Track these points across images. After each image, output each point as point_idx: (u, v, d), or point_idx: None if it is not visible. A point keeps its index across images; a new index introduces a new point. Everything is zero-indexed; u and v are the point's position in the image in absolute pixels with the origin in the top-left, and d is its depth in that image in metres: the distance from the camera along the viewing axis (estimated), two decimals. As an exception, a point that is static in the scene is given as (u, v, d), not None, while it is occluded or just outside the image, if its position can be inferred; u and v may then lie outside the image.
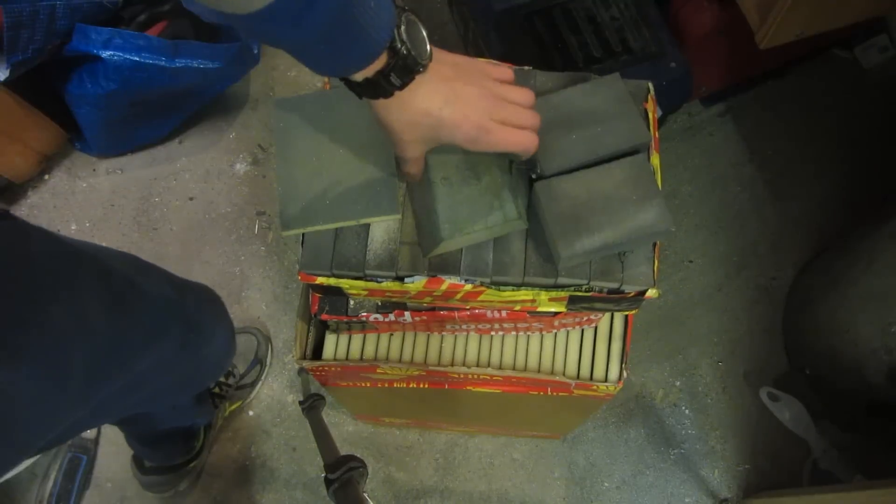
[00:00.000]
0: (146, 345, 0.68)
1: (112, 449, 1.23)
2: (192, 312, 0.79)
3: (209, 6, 0.42)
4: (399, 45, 0.49)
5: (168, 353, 0.74)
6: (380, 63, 0.49)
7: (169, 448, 1.09)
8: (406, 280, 0.62)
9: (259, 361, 1.24)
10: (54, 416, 0.58)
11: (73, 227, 1.36)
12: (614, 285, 0.62)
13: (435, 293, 0.65)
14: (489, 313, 0.73)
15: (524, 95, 0.58)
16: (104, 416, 0.81)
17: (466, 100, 0.53)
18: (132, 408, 0.82)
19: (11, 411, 0.51)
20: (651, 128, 0.65)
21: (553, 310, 0.70)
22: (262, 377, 1.26)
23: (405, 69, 0.49)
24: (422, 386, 0.84)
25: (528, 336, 0.83)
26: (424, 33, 0.51)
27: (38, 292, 0.54)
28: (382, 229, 0.64)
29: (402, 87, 0.50)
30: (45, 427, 0.57)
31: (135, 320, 0.66)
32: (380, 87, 0.50)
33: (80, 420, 0.66)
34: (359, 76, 0.49)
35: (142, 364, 0.68)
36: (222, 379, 1.17)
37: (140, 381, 0.71)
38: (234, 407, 1.22)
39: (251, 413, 1.25)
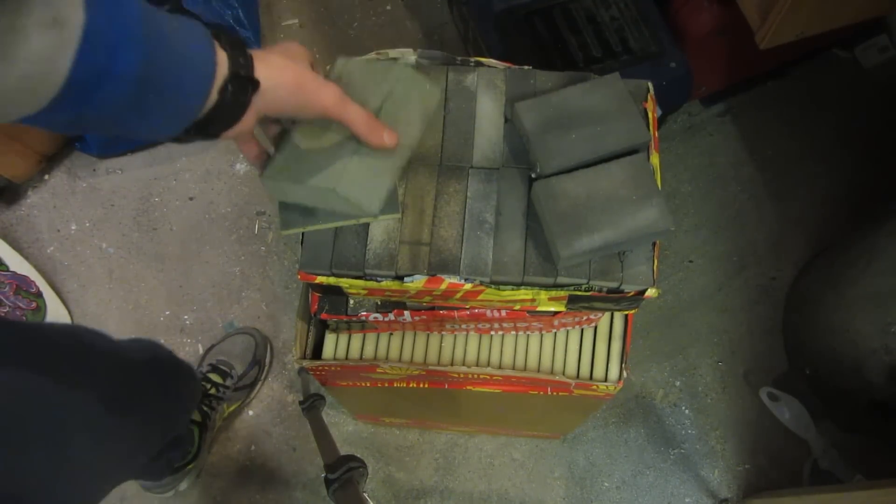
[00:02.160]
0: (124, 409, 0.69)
1: (112, 449, 1.23)
2: (153, 385, 0.79)
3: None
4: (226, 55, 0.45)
5: (150, 410, 0.74)
6: (218, 82, 0.44)
7: (157, 469, 1.09)
8: (406, 279, 0.62)
9: (258, 363, 1.24)
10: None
11: (73, 228, 1.36)
12: (614, 285, 0.62)
13: (434, 292, 0.65)
14: (489, 313, 0.73)
15: None
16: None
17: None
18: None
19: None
20: (651, 127, 0.65)
21: (553, 309, 0.70)
22: (262, 378, 1.26)
23: (242, 60, 0.45)
24: (422, 386, 0.84)
25: (528, 336, 0.83)
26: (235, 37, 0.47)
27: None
28: (382, 228, 0.64)
29: (252, 82, 0.46)
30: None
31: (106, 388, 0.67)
32: (236, 97, 0.45)
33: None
34: (202, 114, 0.45)
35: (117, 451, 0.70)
36: (219, 380, 1.17)
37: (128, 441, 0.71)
38: (232, 408, 1.22)
39: (251, 413, 1.25)
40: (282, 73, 0.48)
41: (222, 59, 0.44)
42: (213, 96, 0.45)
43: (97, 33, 0.36)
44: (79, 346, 0.71)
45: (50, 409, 0.59)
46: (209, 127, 0.47)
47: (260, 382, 1.25)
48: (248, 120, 0.49)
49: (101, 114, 0.40)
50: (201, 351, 1.27)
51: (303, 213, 0.61)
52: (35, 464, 0.56)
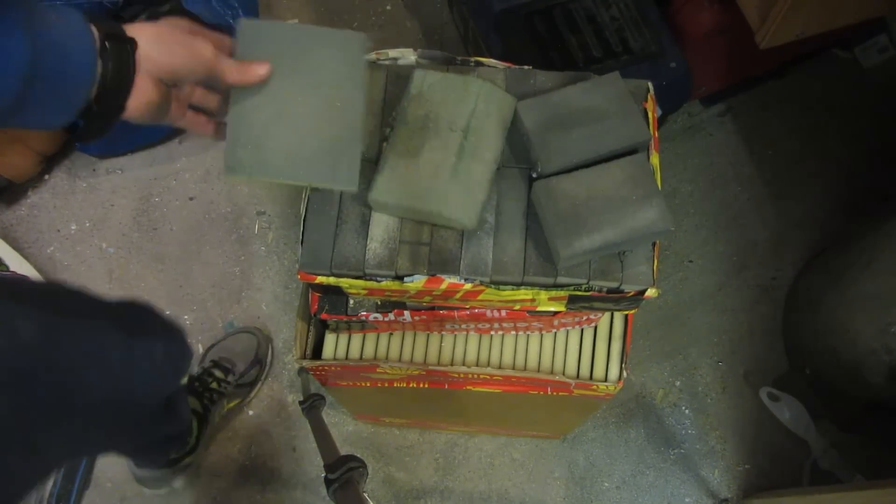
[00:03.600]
0: (84, 357, 0.67)
1: (112, 449, 1.23)
2: (127, 323, 0.77)
3: None
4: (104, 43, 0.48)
5: (112, 365, 0.72)
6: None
7: (156, 452, 1.08)
8: (406, 279, 0.62)
9: (259, 361, 1.24)
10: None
11: (73, 227, 1.36)
12: (614, 285, 0.62)
13: (434, 292, 0.65)
14: (489, 313, 0.73)
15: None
16: (78, 443, 0.80)
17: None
18: (98, 427, 0.80)
19: None
20: (651, 127, 0.65)
21: (553, 309, 0.70)
22: (262, 377, 1.26)
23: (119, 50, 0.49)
24: (422, 386, 0.84)
25: (528, 336, 0.83)
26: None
27: None
28: (382, 228, 0.64)
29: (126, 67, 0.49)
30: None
31: (68, 334, 0.65)
32: (114, 87, 0.49)
33: (54, 446, 0.65)
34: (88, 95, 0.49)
35: (86, 378, 0.67)
36: (221, 375, 1.17)
37: (91, 396, 0.69)
38: (232, 405, 1.22)
39: (251, 413, 1.25)
40: (156, 32, 0.51)
41: (96, 29, 0.48)
42: (98, 66, 0.48)
43: None
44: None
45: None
46: (109, 97, 0.49)
47: (261, 382, 1.25)
48: (146, 85, 0.51)
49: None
50: (201, 350, 1.27)
51: (253, 158, 0.56)
52: None
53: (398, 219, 0.64)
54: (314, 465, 1.22)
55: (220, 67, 0.54)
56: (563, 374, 0.81)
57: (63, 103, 0.48)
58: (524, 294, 0.64)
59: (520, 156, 0.65)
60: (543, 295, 0.64)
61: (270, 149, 0.56)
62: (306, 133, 0.57)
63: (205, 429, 1.15)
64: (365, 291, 0.67)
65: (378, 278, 0.63)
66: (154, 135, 1.39)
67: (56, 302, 0.67)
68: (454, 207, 0.61)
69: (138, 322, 0.77)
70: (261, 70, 0.55)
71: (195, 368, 1.21)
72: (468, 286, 0.63)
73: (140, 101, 0.51)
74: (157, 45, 0.51)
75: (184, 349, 0.87)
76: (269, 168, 0.56)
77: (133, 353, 0.73)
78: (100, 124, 0.51)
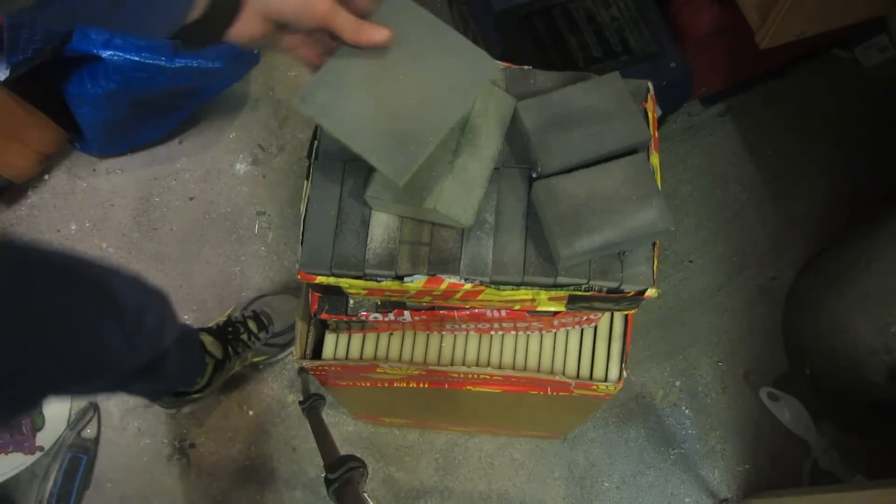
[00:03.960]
0: (63, 318, 0.67)
1: (112, 449, 1.23)
2: (104, 294, 0.75)
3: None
4: None
5: (81, 337, 0.71)
6: None
7: (147, 396, 1.09)
8: (406, 279, 0.62)
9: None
10: None
11: (73, 227, 1.36)
12: (614, 285, 0.62)
13: (434, 292, 0.65)
14: (489, 313, 0.73)
15: None
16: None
17: None
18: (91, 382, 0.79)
19: None
20: (651, 127, 0.65)
21: (552, 309, 0.70)
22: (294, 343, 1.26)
23: None
24: (422, 386, 0.84)
25: (528, 336, 0.83)
26: None
27: None
28: (382, 228, 0.64)
29: None
30: None
31: (46, 295, 0.65)
32: None
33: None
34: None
35: (51, 344, 0.66)
36: (254, 329, 1.17)
37: (57, 359, 0.69)
38: (257, 359, 1.22)
39: (251, 413, 1.25)
40: None
41: None
42: None
43: None
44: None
45: None
46: (211, 23, 0.51)
47: (292, 347, 1.25)
48: (251, 21, 0.52)
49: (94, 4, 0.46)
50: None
51: (327, 104, 0.56)
52: None
53: (398, 219, 0.64)
54: (314, 465, 1.22)
55: (335, 23, 0.54)
56: (563, 374, 0.81)
57: (159, 21, 0.49)
58: (524, 294, 0.64)
59: (520, 156, 0.65)
60: (543, 295, 0.64)
61: (346, 105, 0.57)
62: (389, 112, 0.57)
63: (219, 374, 1.14)
64: (365, 291, 0.67)
65: (378, 278, 0.63)
66: (154, 135, 1.39)
67: (33, 269, 0.66)
68: (450, 204, 0.60)
69: (116, 292, 0.76)
70: (377, 35, 0.55)
71: (237, 312, 1.21)
72: (468, 286, 0.63)
73: (241, 33, 0.53)
74: None
75: (163, 319, 0.86)
76: (334, 120, 0.57)
77: (103, 326, 0.72)
78: (198, 42, 0.52)
